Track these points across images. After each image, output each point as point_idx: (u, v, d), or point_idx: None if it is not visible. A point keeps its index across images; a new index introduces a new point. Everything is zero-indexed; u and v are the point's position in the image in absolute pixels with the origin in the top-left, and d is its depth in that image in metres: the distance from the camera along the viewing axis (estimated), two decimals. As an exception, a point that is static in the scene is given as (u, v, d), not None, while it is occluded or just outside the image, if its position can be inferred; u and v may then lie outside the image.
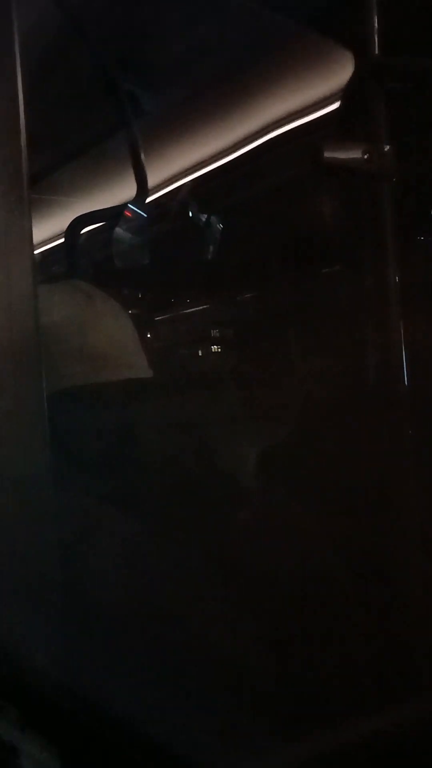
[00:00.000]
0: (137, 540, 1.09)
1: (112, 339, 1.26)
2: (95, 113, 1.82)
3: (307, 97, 1.49)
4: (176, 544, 1.08)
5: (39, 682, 0.93)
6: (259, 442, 1.26)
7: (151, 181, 1.77)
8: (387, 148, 1.06)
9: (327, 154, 1.03)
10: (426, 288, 1.21)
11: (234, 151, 1.76)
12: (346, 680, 0.95)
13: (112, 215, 1.81)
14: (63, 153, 1.95)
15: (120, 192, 1.87)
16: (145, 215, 1.81)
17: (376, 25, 1.08)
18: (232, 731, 0.85)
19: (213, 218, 1.81)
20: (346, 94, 1.21)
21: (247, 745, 0.83)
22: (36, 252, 1.05)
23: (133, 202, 1.78)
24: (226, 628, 0.99)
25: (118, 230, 1.77)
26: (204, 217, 1.83)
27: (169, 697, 0.89)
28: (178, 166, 1.87)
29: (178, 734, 0.83)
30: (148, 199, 1.81)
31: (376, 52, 1.09)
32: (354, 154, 1.05)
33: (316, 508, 1.11)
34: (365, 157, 1.05)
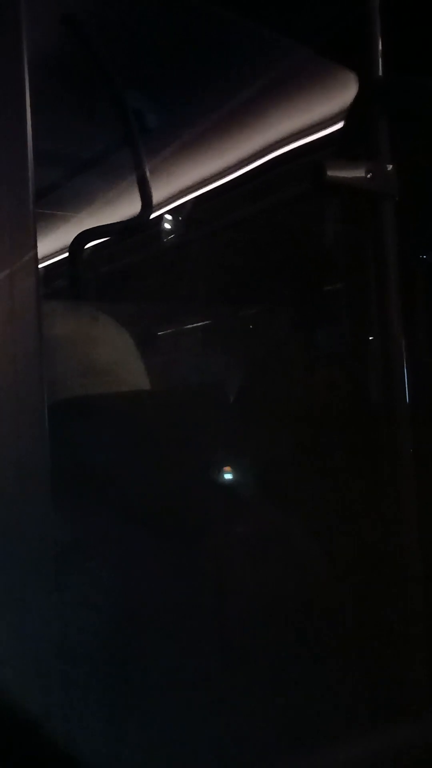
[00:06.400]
0: (137, 557, 1.08)
1: (114, 357, 1.28)
2: (101, 129, 1.83)
3: (311, 116, 1.51)
4: (179, 559, 1.07)
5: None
6: (260, 457, 1.25)
7: (156, 197, 1.78)
8: (389, 167, 1.07)
9: (330, 173, 1.04)
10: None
11: (238, 169, 1.77)
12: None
13: (116, 231, 1.81)
14: (69, 168, 1.96)
15: (124, 208, 1.88)
16: (148, 231, 1.82)
17: (379, 46, 1.09)
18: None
19: (216, 235, 1.82)
20: (350, 113, 1.22)
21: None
22: (41, 266, 1.06)
23: (138, 218, 1.79)
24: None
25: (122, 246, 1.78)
26: (206, 235, 1.84)
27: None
28: (182, 183, 1.88)
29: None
30: (152, 216, 1.81)
31: (380, 72, 1.10)
32: (357, 172, 1.06)
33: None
34: (368, 175, 1.06)
